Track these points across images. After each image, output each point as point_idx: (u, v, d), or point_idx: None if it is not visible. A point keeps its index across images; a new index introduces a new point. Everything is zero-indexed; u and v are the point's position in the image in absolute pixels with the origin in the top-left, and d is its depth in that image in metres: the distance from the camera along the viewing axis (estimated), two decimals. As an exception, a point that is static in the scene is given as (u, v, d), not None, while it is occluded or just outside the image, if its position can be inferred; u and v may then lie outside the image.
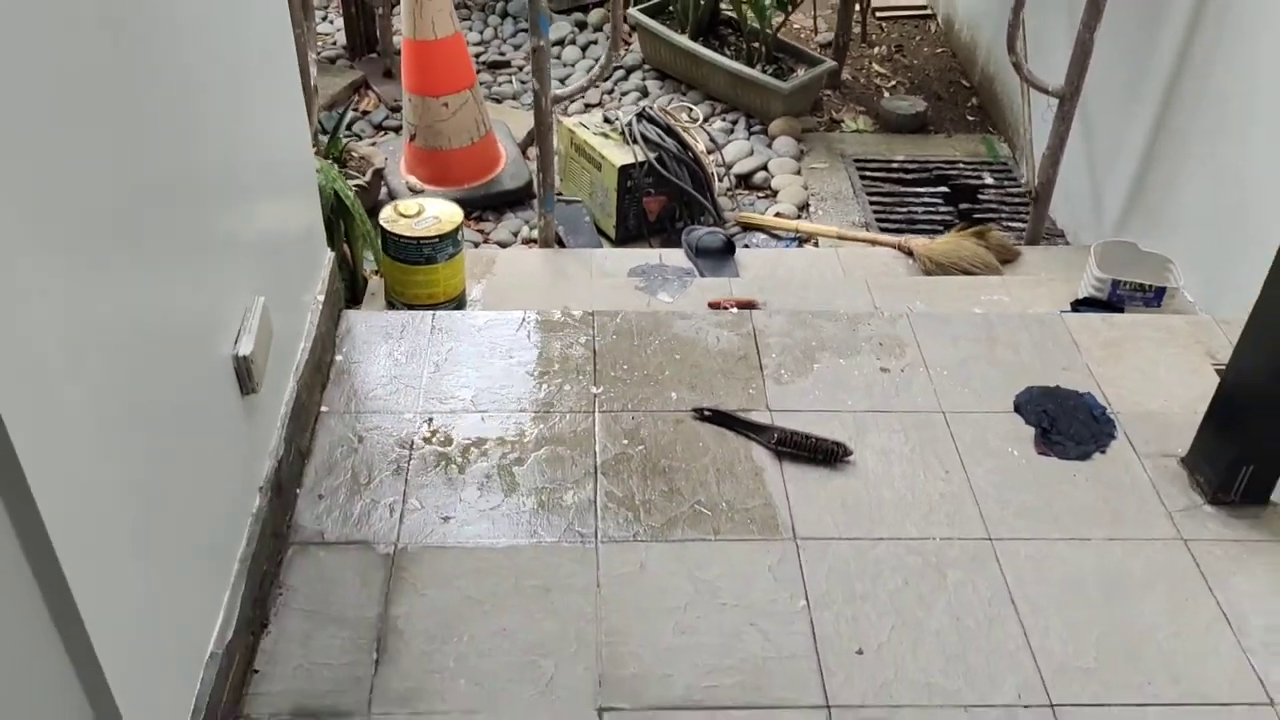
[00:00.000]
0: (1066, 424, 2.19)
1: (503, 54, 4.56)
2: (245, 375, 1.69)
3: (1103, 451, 2.16)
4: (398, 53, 3.89)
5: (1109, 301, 2.66)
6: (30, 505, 1.02)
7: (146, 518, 1.35)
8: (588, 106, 4.17)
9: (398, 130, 3.90)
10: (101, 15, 1.23)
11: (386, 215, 2.61)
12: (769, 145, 3.93)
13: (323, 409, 2.18)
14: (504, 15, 4.79)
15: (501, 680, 1.71)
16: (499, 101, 4.22)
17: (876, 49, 4.63)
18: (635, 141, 3.34)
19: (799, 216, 3.53)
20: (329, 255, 2.36)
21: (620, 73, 4.40)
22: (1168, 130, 2.84)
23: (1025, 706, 1.71)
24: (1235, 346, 2.03)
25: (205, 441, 1.59)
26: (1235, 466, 2.01)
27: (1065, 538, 1.98)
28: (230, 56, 1.70)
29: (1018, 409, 2.24)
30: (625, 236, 3.36)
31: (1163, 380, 2.33)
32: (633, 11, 4.29)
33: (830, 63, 4.08)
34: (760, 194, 3.72)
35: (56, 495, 1.06)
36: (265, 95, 1.92)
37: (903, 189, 3.73)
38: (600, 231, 3.39)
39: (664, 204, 3.34)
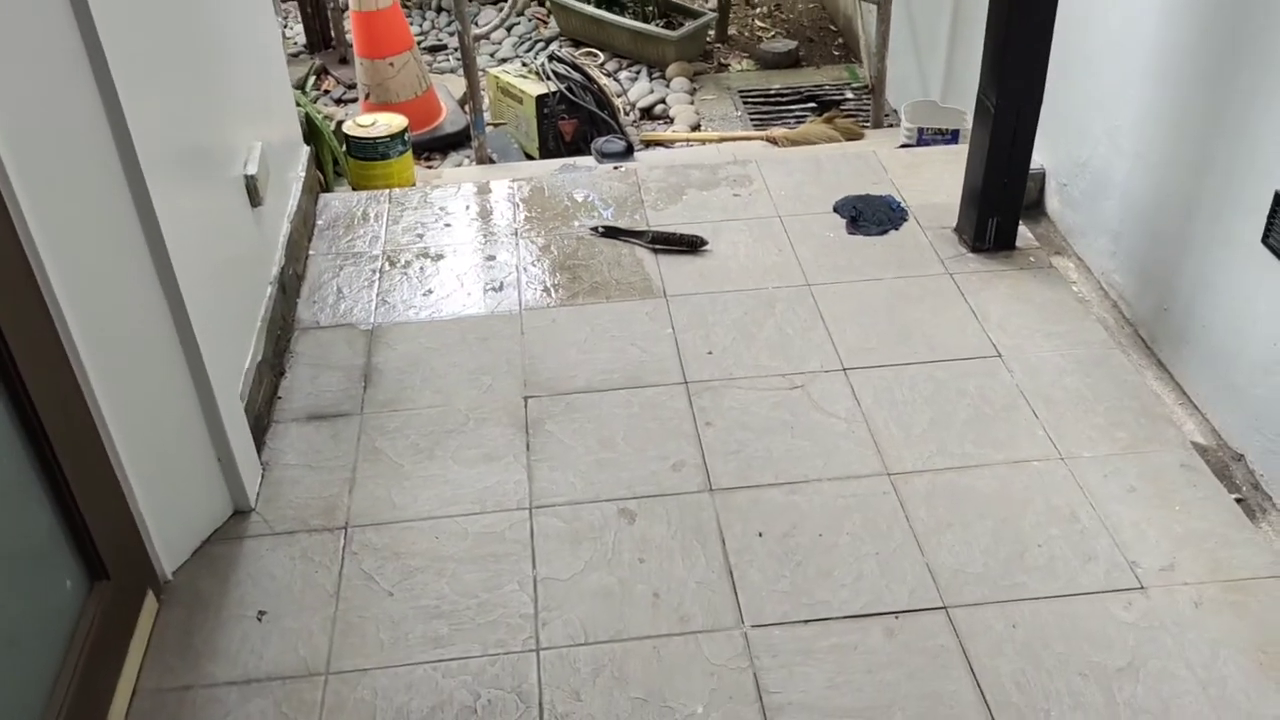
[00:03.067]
0: (871, 214, 2.92)
1: (440, 40, 5.32)
2: (253, 190, 2.40)
3: (896, 229, 2.88)
4: (350, 45, 4.64)
5: (918, 145, 3.39)
6: (170, 272, 1.85)
7: (218, 280, 2.12)
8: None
9: (354, 102, 4.63)
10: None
11: (348, 126, 3.33)
12: (667, 85, 4.68)
13: (310, 252, 2.88)
14: (439, 10, 5.56)
15: (455, 389, 2.41)
16: (440, 74, 4.95)
17: (759, 8, 5.41)
18: (548, 77, 4.07)
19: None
20: (306, 149, 3.08)
21: (540, 45, 5.16)
22: (963, 18, 3.59)
23: (826, 371, 2.42)
24: (970, 144, 2.76)
25: (233, 239, 2.31)
26: (983, 220, 2.75)
27: (863, 280, 2.70)
28: (248, 30, 2.60)
29: (835, 209, 2.97)
30: (547, 156, 4.07)
31: (946, 184, 3.06)
32: (547, -8, 5.04)
33: (711, 14, 4.84)
34: (660, 121, 4.46)
35: (184, 263, 1.88)
36: (260, 49, 2.74)
37: (778, 108, 4.48)
38: (527, 156, 4.11)
39: (576, 126, 4.07)
